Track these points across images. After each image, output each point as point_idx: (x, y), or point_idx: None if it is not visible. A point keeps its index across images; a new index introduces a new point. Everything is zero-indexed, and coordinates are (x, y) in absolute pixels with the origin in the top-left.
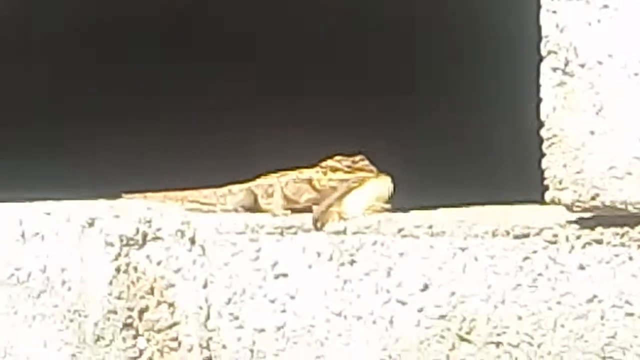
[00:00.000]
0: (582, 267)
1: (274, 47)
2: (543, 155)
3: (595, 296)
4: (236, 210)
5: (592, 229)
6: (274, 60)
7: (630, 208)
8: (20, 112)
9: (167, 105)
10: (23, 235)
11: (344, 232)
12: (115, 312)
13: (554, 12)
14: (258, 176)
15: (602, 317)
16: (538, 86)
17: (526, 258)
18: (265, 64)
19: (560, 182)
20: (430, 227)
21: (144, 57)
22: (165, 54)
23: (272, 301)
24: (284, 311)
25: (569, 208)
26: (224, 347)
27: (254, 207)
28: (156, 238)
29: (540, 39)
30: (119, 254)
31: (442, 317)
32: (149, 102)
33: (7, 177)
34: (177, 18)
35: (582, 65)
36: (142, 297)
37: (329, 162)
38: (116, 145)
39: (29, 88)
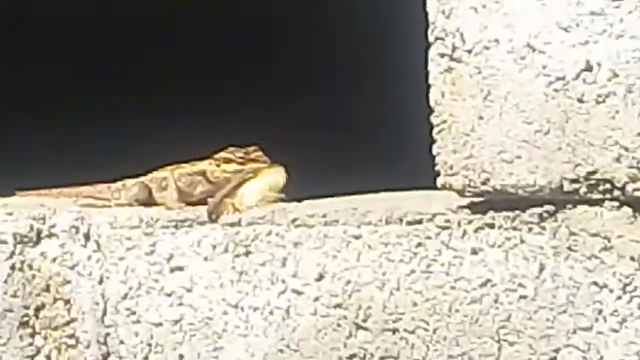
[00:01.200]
0: (474, 252)
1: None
2: (434, 141)
3: (488, 280)
4: (131, 205)
5: (484, 213)
6: (162, 50)
7: (520, 192)
8: None
9: (55, 99)
10: None
11: (239, 223)
12: (11, 311)
13: None
14: (152, 170)
15: (495, 301)
16: (427, 72)
17: (419, 244)
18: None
19: (451, 168)
20: (324, 216)
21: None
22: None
23: (169, 295)
24: (180, 304)
25: (461, 193)
26: (121, 342)
27: (148, 201)
28: (50, 235)
29: (427, 25)
30: (14, 252)
31: (338, 305)
32: (37, 98)
33: None
34: None
35: (469, 51)
36: (37, 295)
37: (223, 154)
38: (8, 142)
39: None
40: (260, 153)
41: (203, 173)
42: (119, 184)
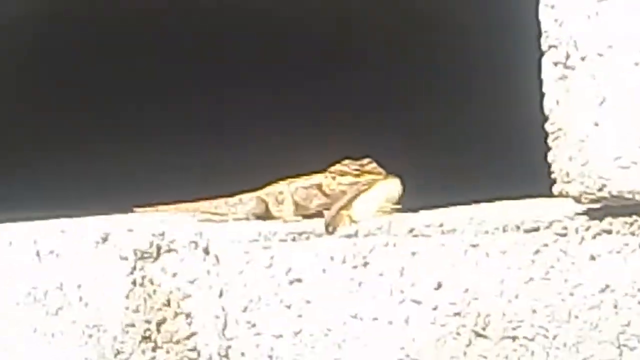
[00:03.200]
0: (593, 258)
1: (277, 50)
2: (549, 149)
3: (607, 286)
4: (248, 219)
5: (601, 219)
6: (276, 64)
7: (637, 197)
8: (24, 130)
9: (170, 116)
10: (38, 254)
11: (356, 235)
12: (133, 326)
13: (552, 6)
14: (268, 184)
15: (615, 306)
16: (541, 81)
17: (537, 251)
18: (265, 68)
19: (567, 175)
20: (441, 225)
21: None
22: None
23: (288, 307)
24: (300, 316)
25: (577, 200)
26: (242, 354)
27: (265, 215)
28: (170, 250)
29: (540, 33)
30: (134, 268)
31: (457, 314)
32: (149, 115)
33: (19, 196)
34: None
35: (583, 58)
36: (159, 309)
37: (338, 167)
38: (124, 159)
39: (28, 110)
40: (375, 165)
41: (319, 186)
42: (235, 198)
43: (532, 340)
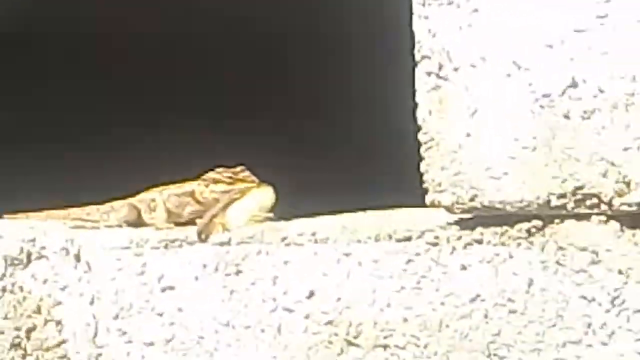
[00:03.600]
0: (464, 267)
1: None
2: (422, 158)
3: (478, 295)
4: (120, 226)
5: (473, 229)
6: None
7: (508, 207)
8: None
9: (34, 123)
10: None
11: (229, 242)
12: (2, 333)
13: (426, 17)
14: (140, 191)
15: (485, 316)
16: (414, 90)
17: (409, 261)
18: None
19: (439, 185)
20: (314, 234)
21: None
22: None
23: (160, 314)
24: (172, 324)
25: (449, 210)
26: None
27: (137, 222)
28: (41, 257)
29: (414, 44)
30: (4, 274)
31: (329, 322)
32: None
33: None
34: None
35: (456, 69)
36: (29, 317)
37: (211, 174)
38: None
39: None
40: (248, 173)
41: (192, 194)
42: (107, 205)
43: (403, 349)
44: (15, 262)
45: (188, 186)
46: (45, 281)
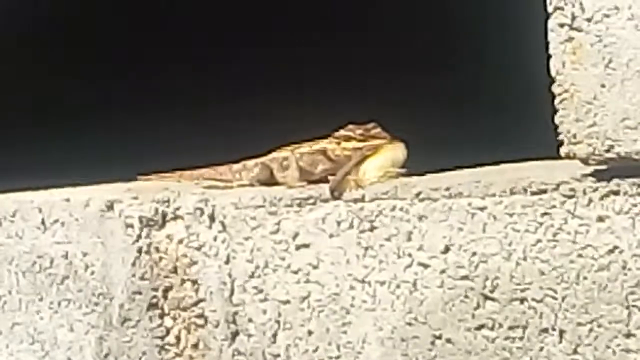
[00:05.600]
0: (601, 219)
1: (277, 16)
2: (556, 111)
3: (616, 247)
4: (252, 185)
5: (609, 180)
6: (277, 29)
7: None
8: (28, 101)
9: (171, 83)
10: (43, 223)
11: (362, 199)
12: (139, 293)
13: None
14: (272, 150)
15: (623, 267)
16: (547, 43)
17: (545, 214)
18: (267, 33)
19: (574, 137)
20: (448, 189)
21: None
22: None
23: (295, 272)
24: (307, 281)
25: (585, 161)
26: (250, 320)
27: (270, 181)
28: (176, 217)
29: None
30: (140, 236)
31: (465, 277)
32: (151, 84)
33: (24, 167)
34: None
35: (589, 20)
36: (165, 277)
37: (342, 132)
38: (128, 128)
39: (29, 83)
40: (379, 129)
41: (324, 151)
42: (240, 164)
43: (540, 302)
44: (151, 223)
45: (320, 144)
46: (180, 241)
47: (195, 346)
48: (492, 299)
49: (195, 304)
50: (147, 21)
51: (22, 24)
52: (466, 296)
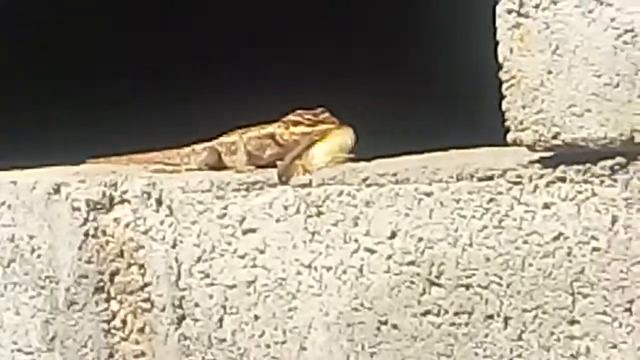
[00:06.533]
0: (547, 206)
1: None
2: (503, 97)
3: (561, 234)
4: (201, 169)
5: (555, 167)
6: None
7: (591, 145)
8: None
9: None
10: None
11: (310, 184)
12: (86, 277)
13: None
14: (221, 134)
15: (568, 254)
16: (495, 29)
17: (491, 200)
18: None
19: (521, 123)
20: (395, 174)
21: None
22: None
23: (242, 257)
24: (254, 266)
25: (531, 148)
26: (196, 305)
27: (218, 165)
28: (123, 201)
29: None
30: (87, 219)
31: (411, 262)
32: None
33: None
34: None
35: (537, 6)
36: (112, 261)
37: (291, 117)
38: (76, 112)
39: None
40: (328, 114)
41: (272, 136)
42: (188, 149)
43: (486, 288)
44: (98, 206)
45: (269, 128)
46: (127, 225)
47: (141, 330)
48: (438, 285)
49: (142, 288)
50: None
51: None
52: (412, 282)
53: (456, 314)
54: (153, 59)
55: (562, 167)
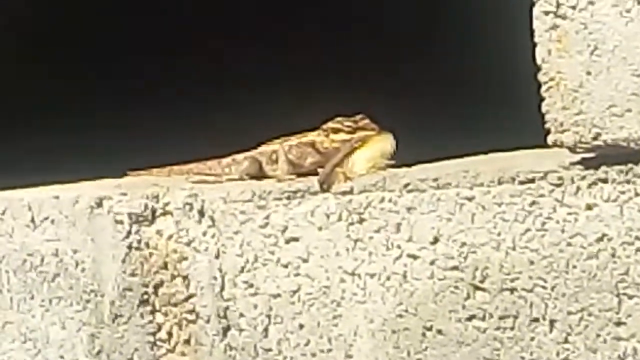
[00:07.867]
0: (589, 207)
1: (277, 16)
2: (542, 99)
3: (604, 235)
4: (242, 179)
5: (596, 168)
6: (277, 29)
7: (632, 145)
8: (16, 99)
9: (171, 83)
10: (33, 220)
11: (351, 191)
12: (130, 290)
13: None
14: (261, 143)
15: (613, 255)
16: (532, 31)
17: (533, 203)
18: (252, 25)
19: (561, 125)
20: (436, 179)
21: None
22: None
23: (285, 266)
24: (297, 275)
25: (572, 150)
26: (241, 315)
27: (259, 175)
28: (165, 213)
29: None
30: (130, 232)
31: (455, 267)
32: (151, 83)
33: (13, 164)
34: None
35: (574, 7)
36: (156, 273)
37: (331, 124)
38: (116, 123)
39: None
40: (367, 121)
41: (312, 144)
42: (229, 159)
43: (530, 291)
44: (140, 219)
45: (309, 137)
46: (170, 237)
47: (187, 342)
48: (482, 289)
49: (186, 299)
50: (147, 21)
51: (22, 24)
52: (456, 287)
53: (501, 318)
54: (191, 70)
55: (603, 168)
